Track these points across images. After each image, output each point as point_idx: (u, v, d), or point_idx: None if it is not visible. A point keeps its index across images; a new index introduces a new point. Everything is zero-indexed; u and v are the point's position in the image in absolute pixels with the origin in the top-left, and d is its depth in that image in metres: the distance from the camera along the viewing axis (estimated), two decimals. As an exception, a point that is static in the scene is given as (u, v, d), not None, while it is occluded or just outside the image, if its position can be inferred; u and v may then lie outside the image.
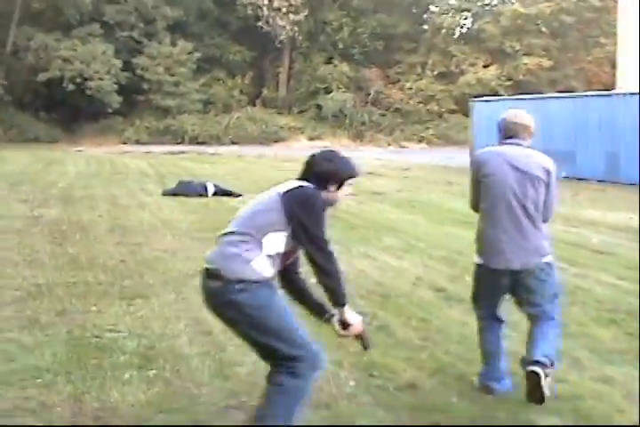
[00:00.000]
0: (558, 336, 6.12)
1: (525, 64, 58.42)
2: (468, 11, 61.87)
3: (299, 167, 17.69)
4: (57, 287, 9.17)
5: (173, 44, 53.76)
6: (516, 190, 5.79)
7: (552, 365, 5.73)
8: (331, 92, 57.92)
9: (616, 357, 7.04)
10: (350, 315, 4.73)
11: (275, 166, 32.76)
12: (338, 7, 59.90)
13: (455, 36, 61.46)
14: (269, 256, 4.64)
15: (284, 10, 54.93)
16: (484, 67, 59.41)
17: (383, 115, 58.99)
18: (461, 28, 61.60)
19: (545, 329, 5.91)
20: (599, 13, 61.02)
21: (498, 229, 5.86)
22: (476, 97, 40.15)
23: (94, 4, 50.78)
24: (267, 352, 4.72)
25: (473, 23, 60.66)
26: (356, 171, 4.90)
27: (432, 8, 64.50)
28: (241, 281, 4.55)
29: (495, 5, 62.90)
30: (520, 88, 56.28)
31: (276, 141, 54.45)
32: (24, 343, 6.99)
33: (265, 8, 54.63)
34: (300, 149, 48.19)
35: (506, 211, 5.82)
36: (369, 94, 59.47)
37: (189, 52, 53.77)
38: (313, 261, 4.64)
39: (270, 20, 55.17)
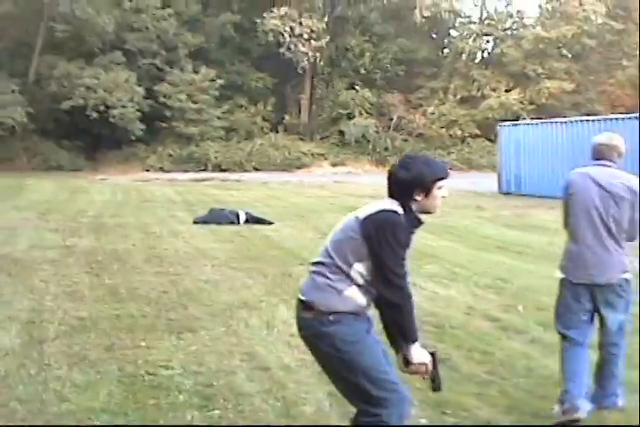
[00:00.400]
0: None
1: (548, 88, 58.10)
2: (489, 35, 61.66)
3: (324, 193, 17.91)
4: (101, 321, 8.89)
5: (195, 71, 53.75)
6: (600, 208, 5.96)
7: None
8: (353, 117, 57.78)
9: None
10: (416, 353, 4.41)
11: (300, 193, 32.59)
12: (359, 32, 59.98)
13: (477, 61, 61.26)
14: (360, 286, 4.39)
15: (305, 36, 54.95)
16: (507, 91, 59.15)
17: (406, 140, 58.75)
18: (482, 52, 61.37)
19: (619, 364, 6.12)
20: (620, 36, 60.85)
21: (581, 245, 6.04)
22: (502, 121, 39.98)
23: (116, 31, 50.92)
24: (353, 392, 4.39)
25: (494, 47, 60.40)
26: (441, 172, 4.50)
27: (453, 33, 64.40)
28: (334, 313, 4.33)
29: (516, 29, 62.71)
30: (543, 112, 55.99)
31: (298, 168, 54.29)
32: (75, 382, 6.68)
33: (286, 34, 54.57)
34: (324, 175, 48.30)
35: (589, 228, 6.00)
36: (391, 119, 59.29)
37: (212, 79, 53.73)
38: (380, 294, 4.35)
39: (292, 47, 55.15)
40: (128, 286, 10.95)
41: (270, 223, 20.02)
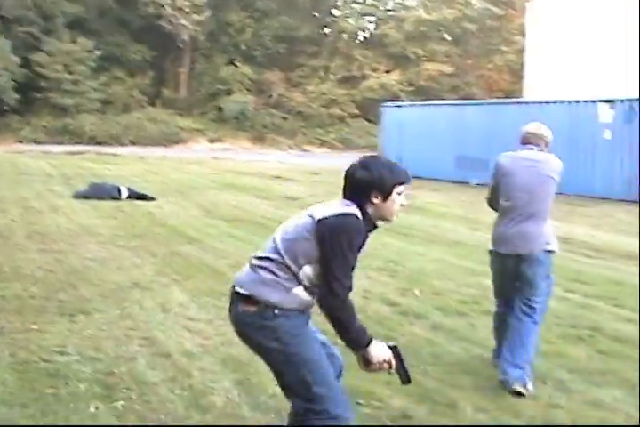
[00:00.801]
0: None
1: (427, 70, 58.71)
2: (371, 15, 61.76)
3: (203, 170, 17.46)
4: (-16, 302, 8.40)
5: (73, 41, 52.15)
6: (528, 187, 6.48)
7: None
8: (232, 93, 57.18)
9: (598, 378, 6.70)
10: (373, 352, 4.19)
11: (179, 169, 32.12)
12: (241, 8, 59.31)
13: (358, 41, 61.19)
14: (307, 287, 4.18)
15: (186, 9, 54.00)
16: (387, 72, 59.51)
17: (285, 118, 58.54)
18: (364, 32, 61.39)
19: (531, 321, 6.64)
20: (500, 21, 61.86)
21: (509, 221, 6.56)
22: (383, 101, 40.11)
23: (-9, -2, 49.10)
24: (294, 387, 4.22)
25: (376, 28, 60.43)
26: (402, 176, 4.32)
27: (335, 12, 64.24)
28: (278, 308, 4.14)
29: (398, 11, 62.96)
30: (422, 94, 56.57)
31: (176, 143, 53.47)
32: (-38, 368, 6.25)
33: (167, 7, 53.51)
34: (201, 151, 47.72)
35: (517, 205, 6.50)
36: (270, 97, 59.00)
37: (89, 50, 52.28)
38: (320, 301, 4.15)
39: (172, 20, 54.08)
40: (11, 265, 10.41)
41: (152, 199, 19.58)
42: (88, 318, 7.82)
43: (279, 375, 4.27)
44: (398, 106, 33.91)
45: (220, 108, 57.31)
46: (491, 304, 7.44)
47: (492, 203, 6.85)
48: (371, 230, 4.29)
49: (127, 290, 9.17)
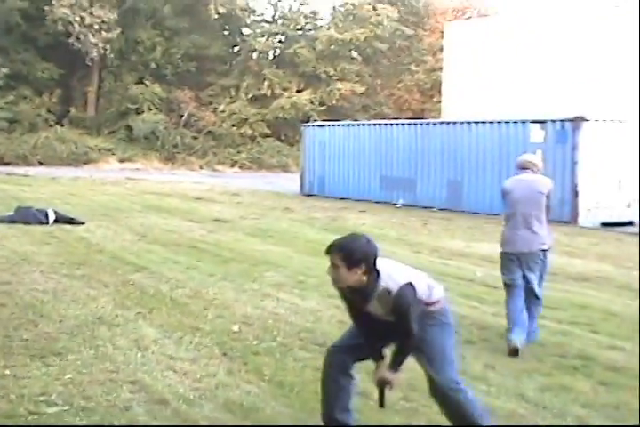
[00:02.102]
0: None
1: (339, 89, 58.57)
2: (282, 34, 61.45)
3: (120, 190, 17.11)
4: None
5: (-22, 58, 50.53)
6: (528, 201, 8.78)
7: None
8: (142, 112, 56.13)
9: (613, 412, 6.51)
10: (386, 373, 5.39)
11: (96, 190, 31.35)
12: (151, 26, 58.22)
13: (269, 60, 60.77)
14: None
15: (96, 26, 52.81)
16: (298, 91, 59.21)
17: (195, 137, 57.68)
18: (275, 51, 60.99)
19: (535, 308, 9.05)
20: (410, 41, 62.20)
21: (512, 229, 8.83)
22: (302, 121, 39.82)
23: None
24: None
25: (287, 47, 60.08)
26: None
27: (245, 31, 63.79)
28: None
29: (310, 30, 62.83)
30: (333, 113, 56.46)
31: (85, 163, 52.02)
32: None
33: (76, 24, 52.29)
34: (112, 171, 46.72)
35: (520, 216, 8.74)
36: (181, 116, 58.17)
37: (-5, 68, 50.67)
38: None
39: (81, 37, 52.86)
40: (-44, 298, 9.70)
41: (81, 223, 18.84)
42: (62, 360, 7.20)
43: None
44: (320, 125, 33.54)
45: (129, 128, 56.10)
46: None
47: (505, 217, 9.06)
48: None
49: (92, 326, 8.56)
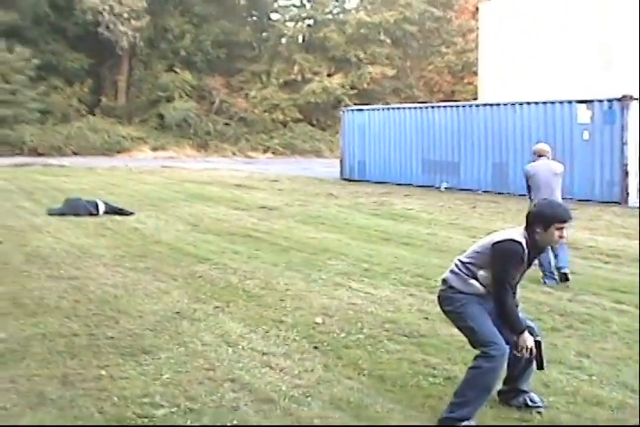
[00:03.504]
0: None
1: (370, 73, 58.25)
2: (312, 18, 61.07)
3: (159, 180, 17.04)
4: (29, 343, 7.55)
5: (9, 50, 50.40)
6: (548, 180, 11.35)
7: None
8: (173, 100, 56.04)
9: None
10: (522, 340, 5.73)
11: (135, 179, 31.29)
12: (179, 13, 58.10)
13: (298, 44, 60.40)
14: (481, 283, 5.83)
15: (125, 15, 52.68)
16: (329, 75, 58.90)
17: (227, 124, 57.57)
18: (304, 36, 60.56)
19: (563, 252, 11.35)
20: (440, 23, 61.68)
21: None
22: (334, 105, 39.50)
23: None
24: (465, 334, 5.94)
25: (317, 31, 59.68)
26: (562, 215, 5.70)
27: (273, 16, 63.48)
28: (457, 290, 5.87)
29: (339, 13, 62.45)
30: (364, 97, 56.17)
31: (118, 152, 52.15)
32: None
33: (105, 13, 52.16)
34: (146, 160, 46.68)
35: (544, 191, 10.99)
36: (213, 103, 58.07)
37: (26, 59, 50.56)
38: (495, 297, 5.75)
39: (111, 26, 52.74)
40: (29, 295, 9.56)
41: (131, 213, 18.78)
42: (154, 359, 7.04)
43: (459, 329, 6.01)
44: (359, 109, 33.22)
45: (161, 116, 56.09)
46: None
47: (529, 195, 11.64)
48: (538, 253, 5.94)
49: (173, 321, 8.41)
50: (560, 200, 9.96)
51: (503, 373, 5.91)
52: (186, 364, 6.91)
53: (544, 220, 5.63)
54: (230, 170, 38.44)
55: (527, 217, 5.74)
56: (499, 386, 6.11)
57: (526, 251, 5.67)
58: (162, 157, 50.33)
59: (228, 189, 26.78)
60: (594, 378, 6.79)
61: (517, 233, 5.72)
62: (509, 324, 5.74)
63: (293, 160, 51.67)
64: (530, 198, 11.35)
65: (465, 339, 5.97)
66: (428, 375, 6.71)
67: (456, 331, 7.96)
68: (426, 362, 7.13)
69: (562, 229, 5.65)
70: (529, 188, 11.61)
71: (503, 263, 5.67)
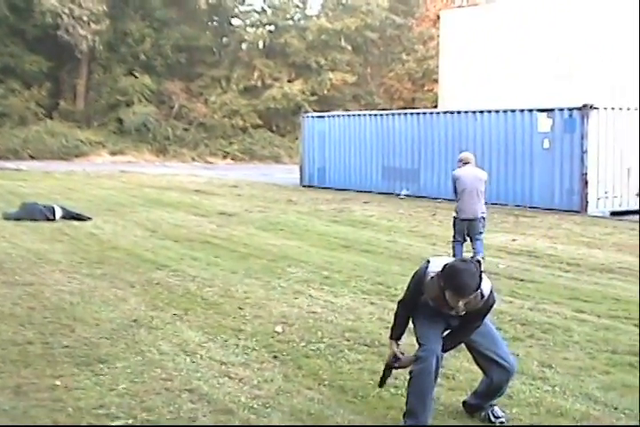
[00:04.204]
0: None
1: (330, 79, 58.21)
2: (272, 24, 60.92)
3: (117, 184, 17.00)
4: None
5: (-34, 52, 49.75)
6: (473, 184, 12.94)
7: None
8: (132, 104, 55.59)
9: None
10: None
11: (93, 184, 31.05)
12: (140, 17, 57.61)
13: (259, 50, 60.13)
14: None
15: (84, 18, 52.15)
16: (289, 81, 58.79)
17: (187, 129, 57.18)
18: (265, 41, 60.30)
19: (480, 244, 13.33)
20: (401, 30, 61.79)
21: (464, 202, 13.01)
22: (295, 112, 39.44)
23: None
24: None
25: (278, 37, 59.48)
26: (458, 292, 5.26)
27: (234, 21, 63.25)
28: None
29: (300, 20, 62.38)
30: (324, 103, 56.14)
31: (76, 156, 51.56)
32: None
33: (65, 16, 51.62)
34: (104, 165, 46.33)
35: (469, 194, 12.93)
36: (172, 108, 57.70)
37: (-16, 62, 49.97)
38: None
39: (70, 29, 52.20)
40: (-19, 301, 9.37)
41: (88, 219, 18.56)
42: (110, 368, 6.89)
43: None
44: (320, 116, 33.12)
45: (120, 120, 55.53)
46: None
47: (454, 192, 13.29)
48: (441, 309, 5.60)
49: (130, 329, 8.26)
50: (483, 202, 13.23)
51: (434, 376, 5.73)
52: (143, 374, 6.77)
53: (445, 280, 5.31)
54: (189, 175, 38.27)
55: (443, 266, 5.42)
56: (462, 397, 6.05)
57: (440, 291, 5.41)
58: (120, 162, 49.92)
59: (187, 195, 26.62)
60: (557, 389, 6.74)
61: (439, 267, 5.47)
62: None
63: (252, 166, 51.54)
64: (456, 200, 13.29)
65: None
66: (390, 386, 6.59)
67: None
68: (387, 372, 7.03)
69: (457, 300, 5.30)
70: (455, 190, 13.20)
71: (410, 281, 5.83)
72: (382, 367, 6.15)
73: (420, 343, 5.68)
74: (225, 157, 56.04)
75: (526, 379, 6.96)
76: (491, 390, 5.92)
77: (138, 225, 17.98)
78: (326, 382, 6.72)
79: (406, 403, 5.64)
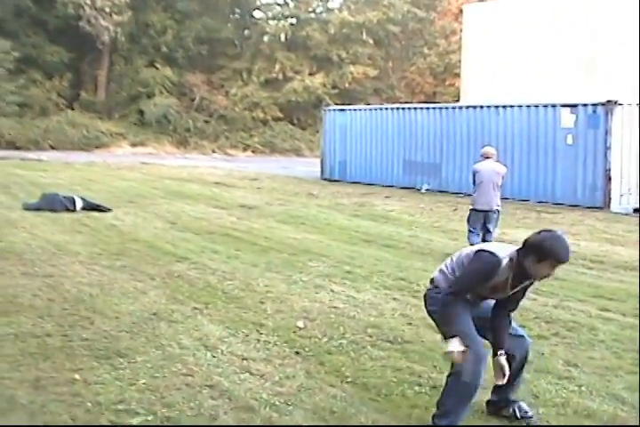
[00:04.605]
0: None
1: (351, 72, 58.04)
2: (294, 17, 60.75)
3: (139, 176, 16.77)
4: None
5: (-10, 42, 49.72)
6: (491, 177, 13.37)
7: None
8: (153, 96, 55.56)
9: None
10: (449, 345, 5.45)
11: (113, 175, 31.01)
12: (162, 9, 57.59)
13: (281, 43, 59.97)
14: None
15: (106, 10, 52.14)
16: (310, 74, 58.61)
17: (207, 121, 57.13)
18: (287, 34, 60.12)
19: (491, 237, 13.44)
20: (423, 24, 61.50)
21: (482, 194, 13.49)
22: (316, 105, 39.28)
23: None
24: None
25: (299, 30, 59.31)
26: (560, 256, 5.30)
27: (256, 14, 63.12)
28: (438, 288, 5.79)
29: (322, 13, 62.19)
30: (346, 97, 55.97)
31: (97, 147, 51.61)
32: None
33: (87, 7, 51.62)
34: (125, 156, 46.34)
35: (487, 186, 13.39)
36: (193, 100, 57.64)
37: (6, 52, 49.85)
38: (444, 293, 5.64)
39: (92, 20, 52.20)
40: (2, 293, 9.28)
41: (109, 210, 18.51)
42: (131, 363, 6.77)
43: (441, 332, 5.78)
44: (342, 109, 32.99)
45: (141, 112, 55.56)
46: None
47: (474, 188, 13.68)
48: (523, 279, 5.56)
49: (150, 323, 8.16)
50: (498, 195, 13.59)
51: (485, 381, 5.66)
52: (163, 368, 6.65)
53: (542, 253, 5.28)
54: (210, 167, 38.23)
55: (525, 242, 5.41)
56: (486, 396, 5.93)
57: (509, 273, 5.47)
58: (141, 153, 49.93)
59: (207, 187, 26.56)
60: (583, 389, 6.60)
61: (505, 251, 5.49)
62: (441, 326, 5.76)
63: (273, 159, 51.46)
64: (473, 191, 13.85)
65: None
66: (414, 384, 6.50)
67: (441, 337, 7.87)
68: (410, 370, 6.91)
69: (555, 267, 5.35)
70: (474, 182, 13.64)
71: (470, 270, 5.57)
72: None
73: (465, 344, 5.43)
74: (245, 150, 55.97)
75: (552, 378, 6.84)
76: (514, 373, 5.77)
77: (158, 217, 17.91)
78: (349, 380, 6.60)
79: (441, 404, 5.51)
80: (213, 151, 54.45)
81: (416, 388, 6.43)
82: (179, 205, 20.50)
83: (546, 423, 5.85)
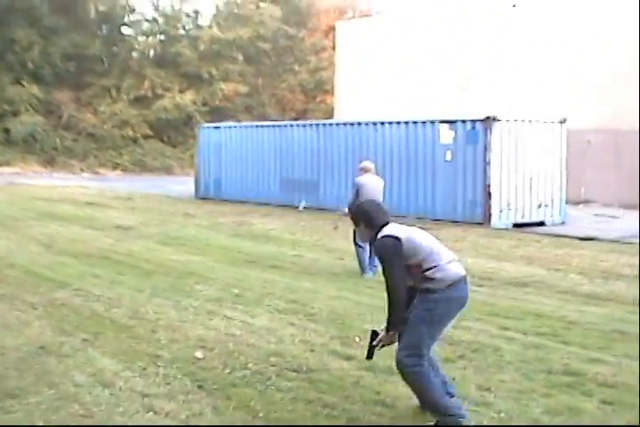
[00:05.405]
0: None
1: (222, 89, 57.75)
2: (164, 33, 60.05)
3: (6, 197, 16.30)
4: None
5: None
6: (375, 191, 13.65)
7: None
8: (19, 114, 54.03)
9: None
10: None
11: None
12: (27, 24, 55.98)
13: (150, 60, 59.12)
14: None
15: (-32, 25, 50.50)
16: (180, 91, 58.03)
17: (76, 140, 55.87)
18: (156, 51, 59.33)
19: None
20: (293, 41, 61.64)
21: None
22: (186, 123, 38.76)
23: None
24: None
25: (169, 47, 58.62)
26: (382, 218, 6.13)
27: (125, 30, 62.15)
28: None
29: (192, 29, 61.65)
30: (217, 114, 55.55)
31: (-39, 167, 49.94)
32: None
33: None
34: (-10, 176, 44.80)
35: (372, 197, 11.97)
36: (60, 118, 56.26)
37: None
38: None
39: (-46, 36, 50.48)
40: None
41: (-20, 234, 17.68)
42: (22, 404, 6.25)
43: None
44: (216, 127, 32.55)
45: (6, 130, 53.88)
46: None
47: (355, 199, 13.08)
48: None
49: (38, 358, 7.62)
50: None
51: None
52: (59, 410, 6.16)
53: (367, 217, 6.01)
54: (79, 187, 37.35)
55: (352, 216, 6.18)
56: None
57: None
58: (7, 173, 48.45)
59: (79, 208, 25.79)
60: (503, 415, 6.39)
61: (402, 231, 6.06)
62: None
63: (143, 177, 50.61)
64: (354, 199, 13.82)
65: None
66: (329, 417, 6.17)
67: (347, 365, 7.57)
68: (322, 401, 6.56)
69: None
70: (356, 195, 13.55)
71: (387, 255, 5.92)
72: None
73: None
74: (115, 169, 54.93)
75: (469, 404, 6.59)
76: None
77: (32, 240, 17.21)
78: (261, 415, 6.21)
79: (422, 403, 6.03)
80: (82, 170, 53.25)
81: (333, 421, 6.09)
82: (52, 227, 19.78)
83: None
